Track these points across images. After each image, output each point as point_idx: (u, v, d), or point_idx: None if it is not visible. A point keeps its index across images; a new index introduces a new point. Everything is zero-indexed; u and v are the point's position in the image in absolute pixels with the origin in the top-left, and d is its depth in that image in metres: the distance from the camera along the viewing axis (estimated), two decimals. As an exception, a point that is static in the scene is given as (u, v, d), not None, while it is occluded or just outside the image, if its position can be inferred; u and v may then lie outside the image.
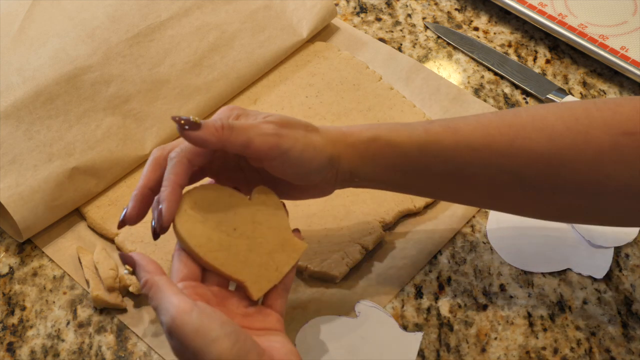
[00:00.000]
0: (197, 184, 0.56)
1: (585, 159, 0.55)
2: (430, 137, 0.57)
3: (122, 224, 0.56)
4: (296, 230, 0.58)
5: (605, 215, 0.58)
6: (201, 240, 0.53)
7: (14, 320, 0.64)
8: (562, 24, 0.82)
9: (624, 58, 0.79)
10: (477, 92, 0.79)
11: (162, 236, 0.54)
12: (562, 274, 0.66)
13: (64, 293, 0.66)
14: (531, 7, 0.84)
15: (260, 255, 0.55)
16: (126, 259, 0.53)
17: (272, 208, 0.57)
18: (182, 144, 0.55)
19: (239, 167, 0.58)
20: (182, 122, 0.52)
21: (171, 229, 0.54)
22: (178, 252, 0.54)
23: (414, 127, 0.57)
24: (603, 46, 0.80)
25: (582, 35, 0.81)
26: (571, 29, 0.82)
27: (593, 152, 0.54)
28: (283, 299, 0.56)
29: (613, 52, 0.80)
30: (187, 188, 0.55)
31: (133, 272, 0.52)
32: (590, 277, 0.66)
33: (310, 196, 0.60)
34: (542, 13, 0.83)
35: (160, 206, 0.53)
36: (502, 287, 0.66)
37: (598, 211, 0.58)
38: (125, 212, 0.56)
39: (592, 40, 0.81)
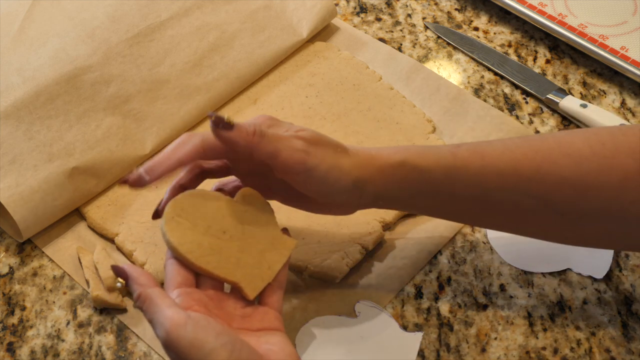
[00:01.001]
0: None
1: (610, 184, 0.55)
2: (458, 162, 0.57)
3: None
4: (284, 229, 0.59)
5: (630, 240, 0.58)
6: (192, 247, 0.54)
7: (14, 320, 0.64)
8: (562, 24, 0.82)
9: (624, 58, 0.79)
10: (477, 92, 0.79)
11: (162, 237, 0.54)
12: (562, 274, 0.66)
13: (64, 293, 0.66)
14: (531, 7, 0.84)
15: (252, 256, 0.56)
16: (119, 272, 0.53)
17: (259, 208, 0.57)
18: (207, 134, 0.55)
19: (265, 175, 0.59)
20: (216, 120, 0.52)
21: (161, 238, 0.54)
22: (170, 261, 0.54)
23: (442, 152, 0.58)
24: (603, 46, 0.80)
25: (582, 35, 0.81)
26: (571, 29, 0.82)
27: (619, 177, 0.54)
28: (278, 295, 0.56)
29: (613, 52, 0.79)
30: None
31: (126, 284, 0.52)
32: (590, 277, 0.66)
33: (331, 213, 0.61)
34: (542, 13, 0.83)
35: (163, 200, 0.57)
36: (502, 287, 0.66)
37: (623, 236, 0.58)
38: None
39: (592, 40, 0.80)
